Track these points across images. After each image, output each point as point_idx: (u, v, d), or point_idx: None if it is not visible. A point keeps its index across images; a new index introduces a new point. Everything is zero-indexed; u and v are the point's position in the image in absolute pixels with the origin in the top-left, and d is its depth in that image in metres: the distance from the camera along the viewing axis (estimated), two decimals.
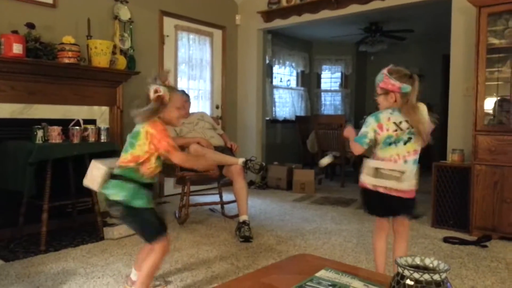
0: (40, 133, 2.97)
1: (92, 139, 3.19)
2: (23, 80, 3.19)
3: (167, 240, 1.95)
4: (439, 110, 7.14)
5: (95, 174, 1.91)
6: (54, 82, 3.36)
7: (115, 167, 1.91)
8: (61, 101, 3.44)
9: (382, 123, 1.99)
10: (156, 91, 1.88)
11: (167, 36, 4.73)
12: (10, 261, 2.63)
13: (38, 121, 3.10)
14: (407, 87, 1.96)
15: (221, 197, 3.87)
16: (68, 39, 3.36)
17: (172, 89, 1.97)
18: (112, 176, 1.91)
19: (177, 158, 1.92)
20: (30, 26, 3.29)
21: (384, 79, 2.01)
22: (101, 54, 3.56)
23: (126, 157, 1.89)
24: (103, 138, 3.26)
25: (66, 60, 3.32)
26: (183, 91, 2.06)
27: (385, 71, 2.02)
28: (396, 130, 1.98)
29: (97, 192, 1.93)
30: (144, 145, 1.86)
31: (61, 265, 2.57)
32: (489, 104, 3.35)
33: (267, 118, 6.35)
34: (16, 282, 2.31)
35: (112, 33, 4.00)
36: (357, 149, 2.07)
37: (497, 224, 3.16)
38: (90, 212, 3.36)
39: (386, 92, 2.01)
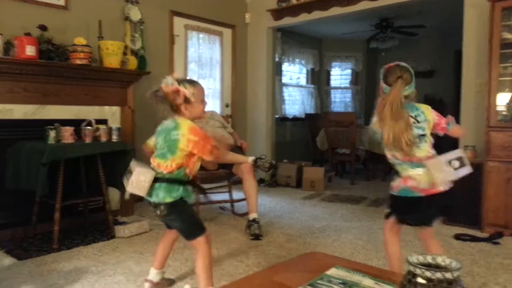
0: (52, 134, 3.00)
1: (103, 139, 3.22)
2: (35, 81, 3.23)
3: (208, 236, 1.97)
4: (451, 106, 7.08)
5: (142, 180, 1.89)
6: (66, 83, 3.40)
7: (156, 170, 1.91)
8: (73, 101, 3.47)
9: None
10: (177, 89, 1.88)
11: (177, 35, 4.75)
12: (23, 259, 2.68)
13: (51, 122, 3.14)
14: (387, 88, 1.94)
15: (231, 195, 3.88)
16: (80, 40, 3.39)
17: (193, 83, 1.97)
18: (156, 179, 1.90)
19: (221, 158, 2.06)
20: (43, 28, 3.33)
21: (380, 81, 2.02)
22: (112, 55, 3.59)
23: (168, 164, 1.89)
24: (114, 138, 3.29)
25: (78, 61, 3.36)
26: (195, 81, 2.05)
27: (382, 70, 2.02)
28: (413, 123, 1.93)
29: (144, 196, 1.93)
30: (185, 150, 1.87)
31: (73, 263, 2.60)
32: (502, 100, 3.30)
33: (277, 116, 6.35)
34: (29, 280, 2.35)
35: (123, 34, 4.03)
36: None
37: (509, 221, 3.12)
38: (101, 210, 3.40)
39: (380, 93, 2.03)
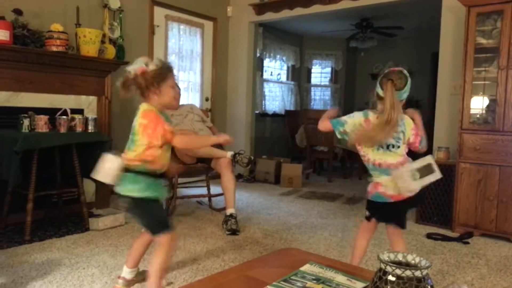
0: (26, 122, 2.93)
1: (79, 129, 3.15)
2: (9, 67, 3.13)
3: (174, 235, 1.90)
4: (427, 107, 7.23)
5: (107, 167, 1.83)
6: (41, 70, 3.31)
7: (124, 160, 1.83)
8: (48, 89, 3.39)
9: (369, 119, 1.99)
10: (143, 70, 1.77)
11: (157, 26, 4.69)
12: None
13: (25, 110, 3.06)
14: (378, 88, 1.96)
15: (208, 189, 3.87)
16: (57, 27, 3.31)
17: (163, 64, 1.84)
18: (125, 169, 1.83)
19: (178, 142, 1.83)
20: (18, 12, 3.23)
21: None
22: (89, 43, 3.52)
23: (130, 155, 1.81)
24: (90, 128, 3.23)
25: (54, 48, 3.27)
26: (167, 63, 1.94)
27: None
28: None
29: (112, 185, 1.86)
30: (142, 140, 1.78)
31: (45, 256, 2.55)
32: (476, 103, 3.40)
33: (257, 112, 6.35)
34: None
35: (102, 22, 3.95)
36: (325, 126, 2.05)
37: (479, 221, 3.23)
38: (75, 202, 3.34)
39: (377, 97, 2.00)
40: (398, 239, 2.11)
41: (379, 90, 1.96)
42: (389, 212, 2.02)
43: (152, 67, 1.79)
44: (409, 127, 2.00)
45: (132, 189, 1.82)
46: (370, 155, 2.00)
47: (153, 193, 1.85)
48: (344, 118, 2.04)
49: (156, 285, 1.85)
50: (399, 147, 1.98)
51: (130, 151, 1.83)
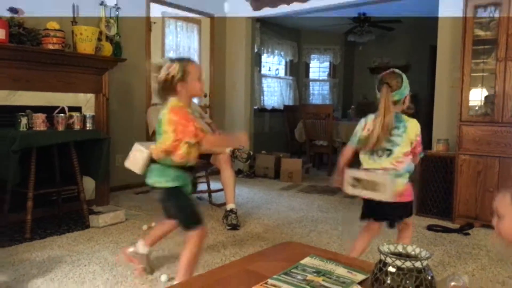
0: (24, 120, 2.92)
1: (77, 126, 3.15)
2: (6, 66, 3.12)
3: (205, 230, 1.97)
4: (426, 100, 7.21)
5: (138, 157, 1.89)
6: (38, 68, 3.30)
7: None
8: (45, 88, 3.37)
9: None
10: (169, 68, 1.84)
11: (154, 23, 4.67)
12: None
13: (22, 108, 3.05)
14: (377, 94, 2.00)
15: (208, 185, 3.87)
16: (53, 24, 3.29)
17: (186, 60, 1.93)
18: (153, 160, 1.90)
19: (207, 141, 1.89)
20: (13, 10, 3.21)
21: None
22: (86, 41, 3.50)
23: (157, 148, 1.87)
24: (88, 125, 3.23)
25: (51, 46, 3.25)
26: (189, 58, 2.02)
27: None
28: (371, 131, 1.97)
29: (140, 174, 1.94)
30: (170, 132, 1.82)
31: (46, 253, 2.55)
32: (474, 95, 3.39)
33: (255, 107, 6.34)
34: (0, 270, 2.29)
35: (98, 19, 3.92)
36: (348, 151, 2.13)
37: (479, 213, 3.23)
38: (75, 200, 3.34)
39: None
40: (403, 235, 2.15)
41: (378, 95, 1.99)
42: (380, 210, 2.03)
43: (175, 64, 1.86)
44: (413, 132, 1.98)
45: (160, 180, 1.89)
46: (364, 162, 2.04)
47: (182, 183, 1.91)
48: (356, 129, 2.09)
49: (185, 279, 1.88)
50: (390, 152, 1.96)
51: (157, 144, 1.89)
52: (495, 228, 1.07)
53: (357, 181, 1.92)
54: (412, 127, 1.98)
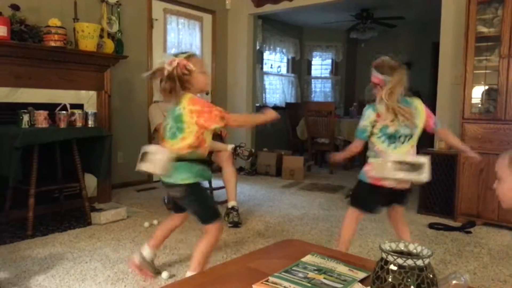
0: (26, 118, 2.92)
1: (79, 124, 3.15)
2: (8, 63, 3.12)
3: (221, 225, 1.99)
4: (428, 97, 7.19)
5: (159, 159, 1.85)
6: (40, 65, 3.30)
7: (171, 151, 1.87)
8: (47, 85, 3.38)
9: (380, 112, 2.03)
10: (172, 63, 1.82)
11: (156, 20, 4.66)
12: None
13: (24, 105, 3.05)
14: (387, 79, 2.01)
15: (210, 183, 3.87)
16: (54, 21, 3.29)
17: (190, 54, 1.91)
18: (176, 158, 1.87)
19: (234, 121, 1.93)
20: (15, 7, 3.21)
21: (373, 73, 2.08)
22: (88, 38, 3.50)
23: (180, 144, 1.85)
24: (90, 123, 3.22)
25: (52, 43, 3.25)
26: (191, 52, 1.97)
27: (373, 64, 2.10)
28: (393, 120, 2.00)
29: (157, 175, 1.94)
30: (193, 126, 1.82)
31: (48, 250, 2.56)
32: (477, 92, 3.37)
33: (257, 105, 6.33)
34: (2, 266, 2.29)
35: (100, 16, 3.92)
36: (356, 146, 2.13)
37: (481, 211, 3.22)
38: (77, 197, 3.34)
39: (375, 85, 2.08)
40: (403, 226, 2.21)
41: (387, 79, 2.00)
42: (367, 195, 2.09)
43: (178, 59, 1.84)
44: (421, 110, 2.06)
45: (187, 177, 1.88)
46: (385, 152, 2.02)
47: (205, 177, 1.95)
48: (363, 124, 2.08)
49: (198, 271, 1.90)
50: (411, 137, 2.03)
51: (176, 140, 1.86)
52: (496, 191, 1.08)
53: (402, 164, 1.92)
54: (418, 105, 2.08)
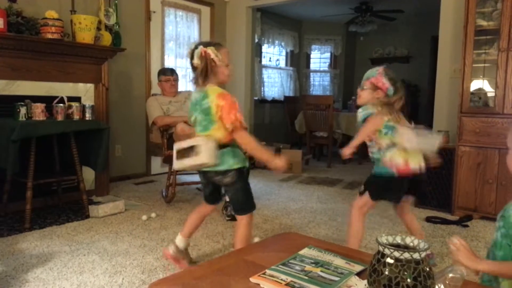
0: (23, 110, 2.91)
1: (76, 116, 3.14)
2: (5, 55, 3.10)
3: (253, 216, 2.05)
4: (426, 91, 7.18)
5: (208, 148, 1.84)
6: (37, 58, 3.28)
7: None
8: (44, 77, 3.36)
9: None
10: (204, 53, 1.84)
11: (154, 12, 4.63)
12: None
13: (21, 98, 3.04)
14: (391, 90, 2.09)
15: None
16: (51, 13, 3.26)
17: (217, 45, 1.91)
18: (221, 146, 1.88)
19: (241, 137, 1.88)
20: (12, 0, 3.19)
21: (377, 76, 2.11)
22: (85, 30, 3.47)
23: (217, 134, 1.86)
24: (88, 116, 3.21)
25: (50, 36, 3.23)
26: (220, 44, 1.97)
27: (381, 69, 2.14)
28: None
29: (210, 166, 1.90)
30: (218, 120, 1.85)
31: (46, 243, 2.56)
32: (476, 86, 3.37)
33: (256, 98, 6.32)
34: (0, 260, 2.30)
35: (97, 8, 3.89)
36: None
37: (479, 204, 3.23)
38: (75, 190, 3.34)
39: (375, 88, 2.11)
40: (408, 216, 2.34)
41: (391, 91, 2.10)
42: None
43: (209, 49, 1.86)
44: None
45: (235, 162, 1.90)
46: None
47: (246, 162, 1.98)
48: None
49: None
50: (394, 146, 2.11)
51: (209, 131, 1.88)
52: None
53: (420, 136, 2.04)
54: None
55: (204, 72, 1.87)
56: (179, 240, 2.20)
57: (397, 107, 2.09)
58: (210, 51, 1.85)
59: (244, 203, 2.00)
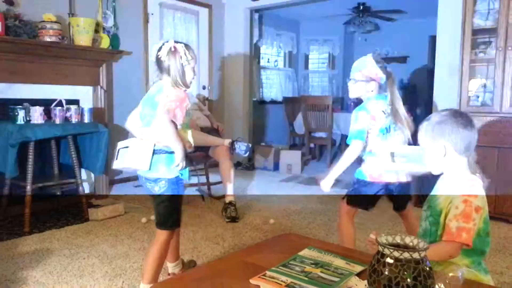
0: (21, 114, 2.91)
1: (75, 119, 3.14)
2: (3, 59, 3.09)
3: (174, 233, 1.92)
4: (425, 91, 7.18)
5: (144, 153, 1.74)
6: (35, 61, 3.28)
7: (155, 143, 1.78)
8: (43, 80, 3.35)
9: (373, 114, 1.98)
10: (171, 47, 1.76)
11: (152, 14, 4.63)
12: None
13: (20, 101, 3.03)
14: (383, 79, 1.97)
15: (207, 178, 3.87)
16: (49, 16, 3.26)
17: (189, 47, 1.83)
18: (154, 151, 1.77)
19: (159, 121, 1.74)
20: (9, 2, 3.18)
21: (369, 66, 1.97)
22: (83, 32, 3.47)
23: (154, 133, 1.78)
24: (86, 118, 3.21)
25: (48, 39, 3.23)
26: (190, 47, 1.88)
27: (370, 58, 1.98)
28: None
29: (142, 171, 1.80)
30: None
31: (45, 246, 2.56)
32: (473, 85, 3.37)
33: (254, 99, 6.32)
34: None
35: (95, 11, 3.89)
36: (356, 148, 2.06)
37: None
38: (74, 193, 3.33)
39: (369, 79, 1.98)
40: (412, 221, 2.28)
41: (383, 80, 1.99)
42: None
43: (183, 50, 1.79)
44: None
45: (167, 171, 1.80)
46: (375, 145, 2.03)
47: (184, 172, 1.86)
48: (359, 126, 1.99)
49: (151, 281, 1.84)
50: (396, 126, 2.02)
51: (150, 128, 1.80)
52: None
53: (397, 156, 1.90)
54: None
55: (168, 69, 1.79)
56: (172, 268, 2.12)
57: (391, 89, 1.97)
58: (181, 48, 1.78)
59: (165, 216, 1.84)
